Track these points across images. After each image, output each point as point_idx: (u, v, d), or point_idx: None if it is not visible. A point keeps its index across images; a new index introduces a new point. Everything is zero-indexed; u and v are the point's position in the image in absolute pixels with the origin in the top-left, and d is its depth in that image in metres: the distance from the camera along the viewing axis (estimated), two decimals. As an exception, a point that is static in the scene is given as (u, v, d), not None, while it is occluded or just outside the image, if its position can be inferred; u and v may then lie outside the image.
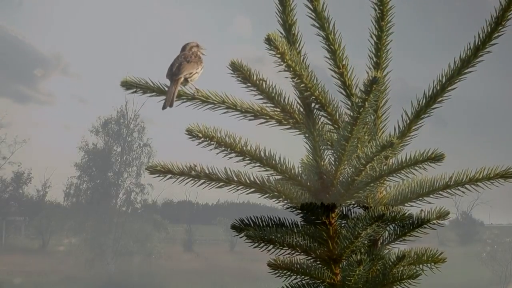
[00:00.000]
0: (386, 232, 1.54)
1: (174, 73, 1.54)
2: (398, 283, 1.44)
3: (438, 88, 1.48)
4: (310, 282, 1.46)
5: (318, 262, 1.47)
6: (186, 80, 1.55)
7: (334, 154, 1.42)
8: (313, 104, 1.47)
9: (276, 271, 1.45)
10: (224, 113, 1.50)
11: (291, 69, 1.37)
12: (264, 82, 1.43)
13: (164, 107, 1.48)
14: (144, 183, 37.69)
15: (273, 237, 1.42)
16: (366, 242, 1.43)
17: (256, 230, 1.43)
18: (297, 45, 1.46)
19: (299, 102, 1.48)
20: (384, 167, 1.39)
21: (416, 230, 1.53)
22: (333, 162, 1.43)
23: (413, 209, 1.52)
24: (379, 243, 1.53)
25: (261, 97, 1.46)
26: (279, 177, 1.45)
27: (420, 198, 1.51)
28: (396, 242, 1.55)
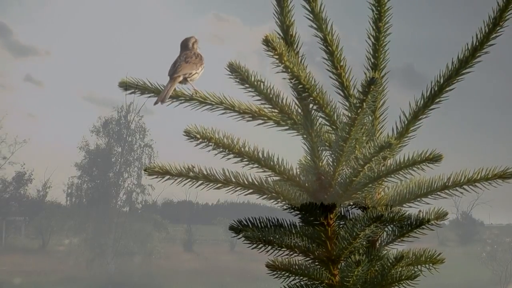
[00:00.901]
0: (385, 233, 1.54)
1: (173, 72, 1.54)
2: (396, 283, 1.44)
3: (436, 89, 1.48)
4: (309, 283, 1.46)
5: (317, 263, 1.47)
6: (185, 80, 1.55)
7: (332, 155, 1.42)
8: (311, 105, 1.47)
9: (275, 272, 1.45)
10: (222, 114, 1.50)
11: (289, 70, 1.38)
12: (262, 83, 1.44)
13: (155, 103, 1.48)
14: (144, 184, 37.76)
15: (271, 238, 1.42)
16: (364, 243, 1.43)
17: (255, 231, 1.43)
18: (295, 46, 1.46)
19: (297, 103, 1.48)
20: (382, 168, 1.39)
21: (415, 231, 1.53)
22: (331, 163, 1.43)
23: (412, 210, 1.53)
24: (377, 244, 1.54)
25: (259, 98, 1.46)
26: (277, 178, 1.45)
27: (419, 199, 1.51)
28: (395, 243, 1.55)
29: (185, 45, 1.64)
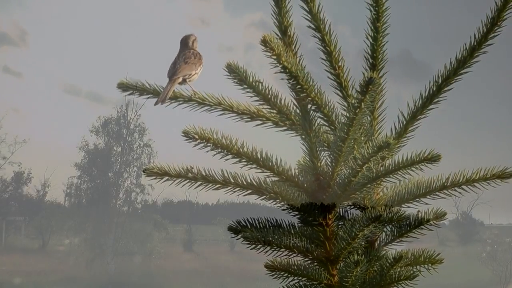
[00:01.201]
0: (383, 233, 1.54)
1: (173, 73, 1.55)
2: (395, 284, 1.44)
3: (435, 89, 1.48)
4: (308, 283, 1.46)
5: (316, 263, 1.47)
6: (184, 80, 1.55)
7: (331, 155, 1.42)
8: (309, 106, 1.47)
9: (274, 273, 1.45)
10: (221, 115, 1.50)
11: (287, 70, 1.37)
12: (260, 84, 1.44)
13: (155, 104, 1.49)
14: (144, 184, 37.79)
15: (270, 238, 1.42)
16: (363, 243, 1.43)
17: (253, 232, 1.43)
18: (293, 47, 1.46)
19: (296, 103, 1.48)
20: (381, 168, 1.39)
21: (414, 231, 1.53)
22: (329, 163, 1.43)
23: (410, 210, 1.53)
24: (376, 244, 1.53)
25: (257, 98, 1.46)
26: (276, 178, 1.45)
27: (417, 199, 1.51)
28: (394, 243, 1.55)
29: (185, 43, 1.65)
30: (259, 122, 1.50)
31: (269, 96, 1.46)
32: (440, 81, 1.47)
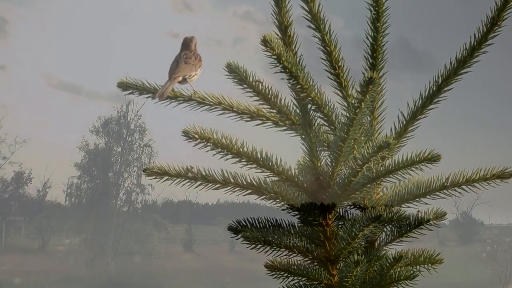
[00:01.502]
0: (383, 233, 1.54)
1: (173, 72, 1.55)
2: (395, 284, 1.44)
3: (434, 89, 1.48)
4: (308, 283, 1.46)
5: (316, 263, 1.47)
6: (185, 80, 1.56)
7: (331, 155, 1.42)
8: (309, 106, 1.47)
9: (274, 273, 1.46)
10: (221, 114, 1.50)
11: (287, 70, 1.38)
12: (260, 84, 1.44)
13: (153, 98, 1.49)
14: (144, 183, 37.78)
15: (270, 238, 1.42)
16: (363, 243, 1.43)
17: (253, 232, 1.43)
18: (293, 47, 1.46)
19: (296, 103, 1.48)
20: (381, 168, 1.39)
21: (413, 231, 1.53)
22: (329, 163, 1.43)
23: (410, 210, 1.53)
24: (376, 244, 1.54)
25: (257, 98, 1.47)
26: (275, 178, 1.45)
27: (417, 199, 1.52)
28: (394, 243, 1.55)
29: (186, 44, 1.66)
30: (259, 121, 1.50)
31: (269, 96, 1.46)
32: (440, 81, 1.48)
